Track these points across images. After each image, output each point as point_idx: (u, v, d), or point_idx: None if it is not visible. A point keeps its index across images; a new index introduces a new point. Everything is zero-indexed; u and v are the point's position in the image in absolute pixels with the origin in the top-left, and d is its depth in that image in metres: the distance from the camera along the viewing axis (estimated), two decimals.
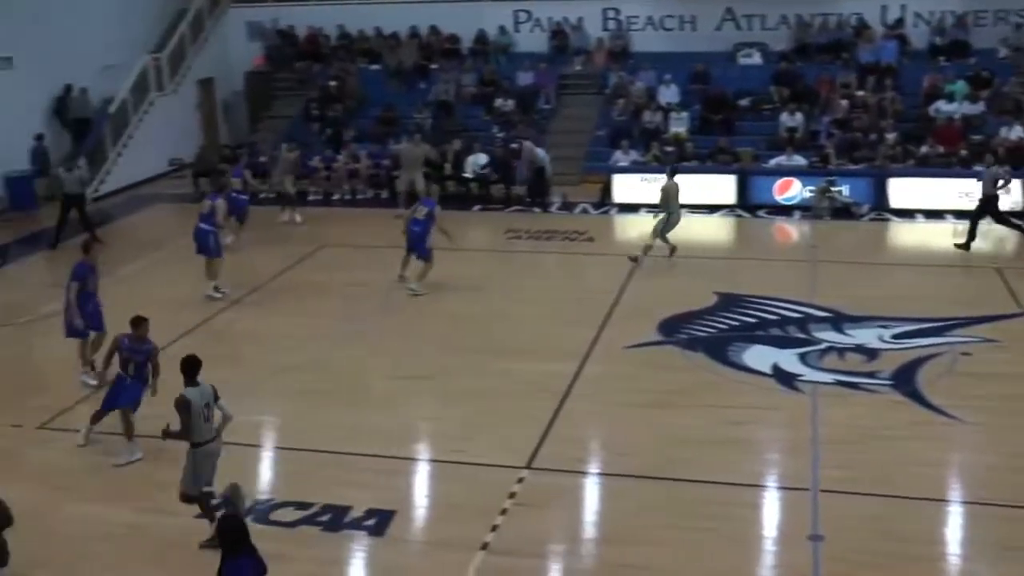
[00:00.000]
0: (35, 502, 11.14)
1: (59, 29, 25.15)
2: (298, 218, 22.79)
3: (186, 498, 10.24)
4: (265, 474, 12.06)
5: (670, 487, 11.15)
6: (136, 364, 12.14)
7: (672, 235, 19.01)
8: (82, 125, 26.21)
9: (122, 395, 12.19)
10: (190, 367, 10.25)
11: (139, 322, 12.14)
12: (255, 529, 10.49)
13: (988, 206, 19.59)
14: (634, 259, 18.63)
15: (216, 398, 10.35)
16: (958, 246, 19.46)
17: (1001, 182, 19.49)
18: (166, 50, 28.20)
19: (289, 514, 10.79)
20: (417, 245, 17.64)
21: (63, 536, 10.59)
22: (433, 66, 29.03)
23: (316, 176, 25.46)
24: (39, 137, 24.99)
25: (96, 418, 12.47)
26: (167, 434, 10.24)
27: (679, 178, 19.44)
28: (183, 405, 9.97)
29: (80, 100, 26.22)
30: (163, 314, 16.57)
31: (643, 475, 11.39)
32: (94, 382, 13.96)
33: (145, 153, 26.64)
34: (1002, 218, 19.83)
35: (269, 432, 12.96)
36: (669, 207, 18.91)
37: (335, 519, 10.66)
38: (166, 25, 29.53)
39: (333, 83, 28.58)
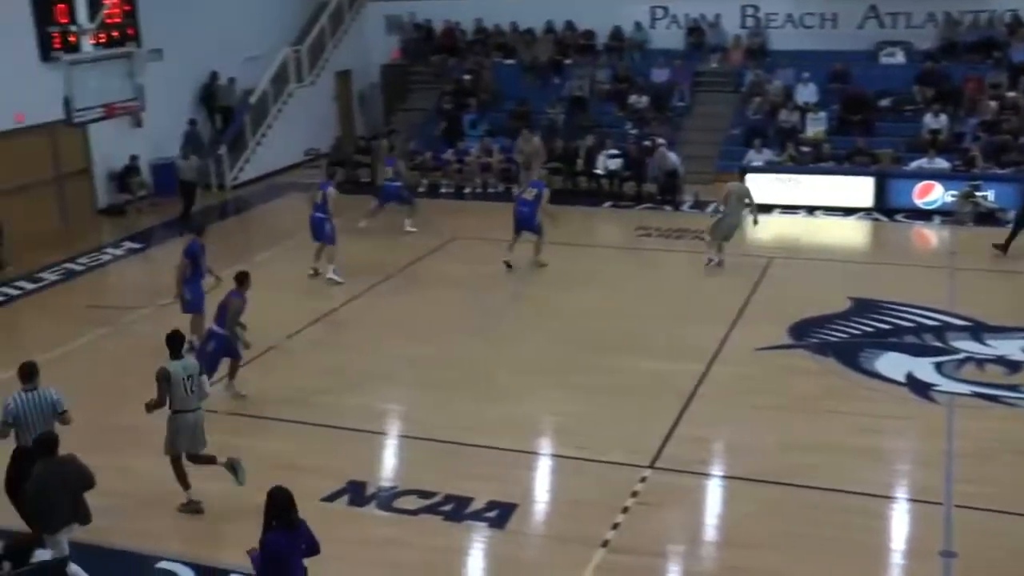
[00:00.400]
0: (165, 478, 11.53)
1: (206, 22, 25.93)
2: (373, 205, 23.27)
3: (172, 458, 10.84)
4: (390, 461, 12.24)
5: (795, 493, 10.93)
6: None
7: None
8: (226, 113, 27.00)
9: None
10: (174, 342, 10.83)
11: (244, 278, 13.40)
12: (378, 515, 10.71)
13: None
14: (711, 262, 18.52)
15: (201, 373, 10.91)
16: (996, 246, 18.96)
17: None
18: (306, 42, 28.78)
19: (412, 502, 10.93)
20: (527, 223, 18.38)
21: (194, 512, 10.90)
22: (567, 62, 28.98)
23: (448, 169, 25.68)
24: (192, 122, 25.88)
25: (233, 372, 13.50)
26: (148, 406, 10.85)
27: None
28: (163, 376, 10.62)
29: (226, 89, 27.02)
30: (294, 301, 17.04)
31: (768, 479, 11.20)
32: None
33: (283, 143, 27.25)
34: None
35: (395, 420, 13.14)
36: (727, 208, 18.52)
37: (457, 509, 10.75)
38: (307, 18, 30.18)
39: (468, 77, 28.80)
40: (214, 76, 26.83)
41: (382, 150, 24.54)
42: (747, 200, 18.80)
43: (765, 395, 13.28)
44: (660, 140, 24.17)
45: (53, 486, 9.10)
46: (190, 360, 10.97)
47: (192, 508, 10.83)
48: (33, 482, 9.14)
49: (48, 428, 9.94)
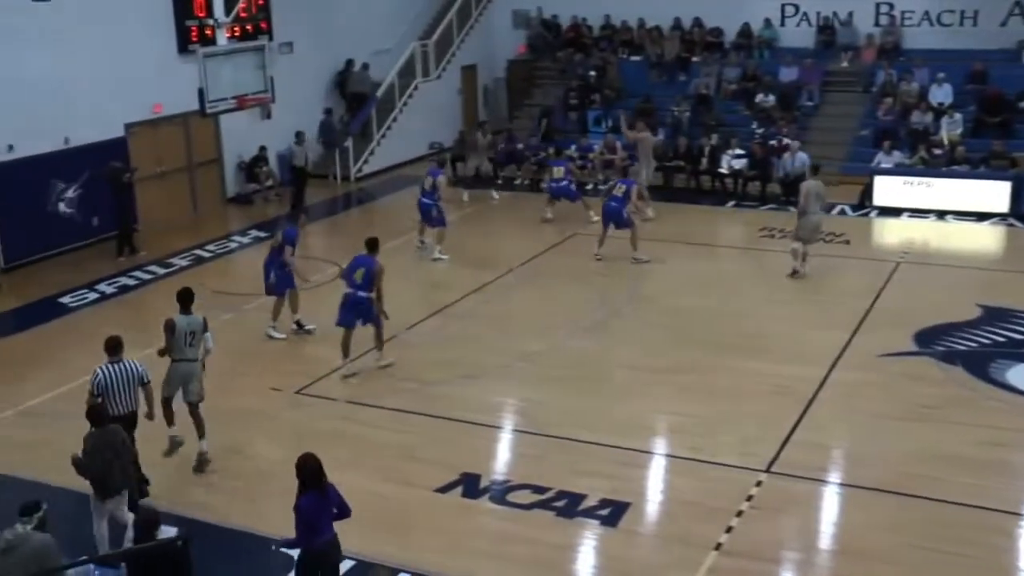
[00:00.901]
0: (285, 462, 11.75)
1: (336, 16, 26.50)
2: (465, 197, 23.87)
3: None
4: (504, 455, 12.28)
5: (915, 505, 10.63)
6: None
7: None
8: (359, 99, 27.49)
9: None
10: (184, 298, 11.83)
11: (375, 243, 14.32)
12: (490, 508, 10.77)
13: None
14: (796, 273, 17.77)
15: (205, 330, 11.80)
16: None
17: None
18: (434, 37, 29.07)
19: (525, 497, 10.96)
20: (615, 218, 18.80)
21: None
22: (694, 59, 28.71)
23: (571, 165, 25.60)
24: (327, 111, 26.53)
25: (379, 341, 14.31)
26: (159, 352, 11.78)
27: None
28: (168, 327, 11.56)
29: (359, 75, 27.57)
30: (415, 293, 17.25)
31: (887, 489, 10.92)
32: (281, 335, 15.58)
33: (407, 136, 27.60)
34: None
35: (509, 414, 13.18)
36: (808, 207, 17.68)
37: (569, 506, 10.74)
38: (435, 13, 30.50)
39: (593, 73, 28.73)
40: (349, 63, 27.38)
41: (478, 142, 25.40)
42: (823, 198, 18.06)
43: (887, 403, 12.94)
44: (790, 141, 23.69)
45: (103, 454, 9.61)
46: (196, 317, 11.79)
47: (174, 444, 11.72)
48: (85, 451, 9.68)
49: (133, 399, 10.66)
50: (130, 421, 10.63)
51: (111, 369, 10.65)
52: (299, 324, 15.81)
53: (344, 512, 8.66)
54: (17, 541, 8.21)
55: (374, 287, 13.89)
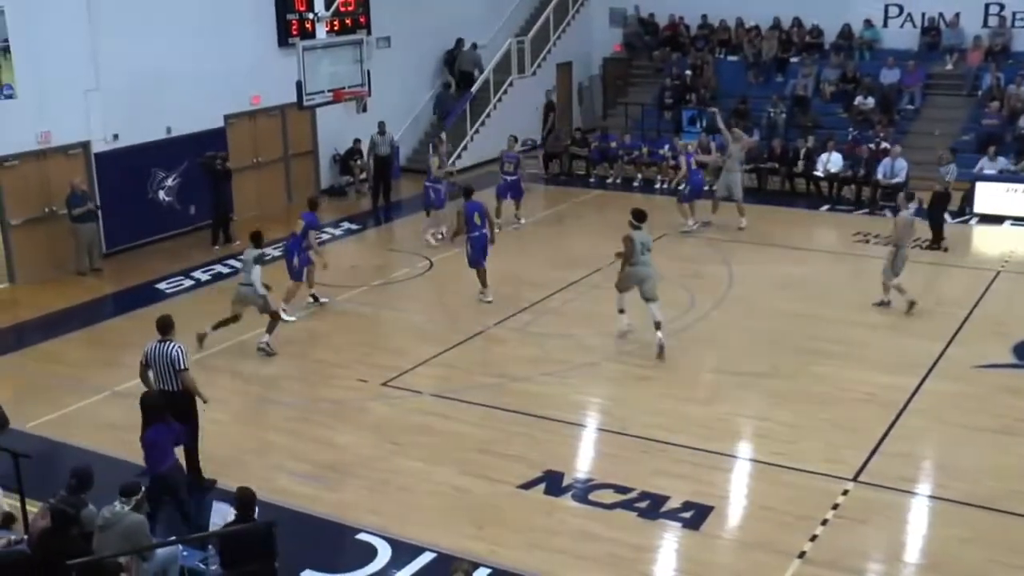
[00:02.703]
0: (370, 453, 11.92)
1: (434, 12, 26.69)
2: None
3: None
4: (587, 454, 12.26)
5: (1006, 521, 10.35)
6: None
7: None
8: (466, 79, 27.84)
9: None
10: (256, 237, 14.95)
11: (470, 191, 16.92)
12: (573, 507, 10.76)
13: None
14: (881, 303, 16.38)
15: (257, 262, 14.65)
16: None
17: None
18: (530, 33, 29.11)
19: (608, 496, 10.93)
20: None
21: (394, 487, 11.23)
22: (793, 59, 28.29)
23: (663, 165, 25.48)
24: (445, 85, 27.72)
25: (482, 278, 16.67)
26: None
27: None
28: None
29: (469, 55, 27.96)
30: (507, 289, 17.27)
31: (977, 504, 10.65)
32: (293, 318, 16.03)
33: (500, 132, 27.50)
34: None
35: (594, 413, 13.15)
36: (903, 241, 16.07)
37: (652, 507, 10.69)
38: (532, 9, 30.54)
39: (689, 72, 28.48)
40: (459, 42, 27.71)
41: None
42: (915, 233, 16.75)
43: (981, 415, 12.62)
44: (888, 145, 23.20)
45: None
46: (251, 252, 14.65)
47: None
48: None
49: (172, 382, 10.96)
50: (172, 402, 10.76)
51: (156, 347, 11.01)
52: (314, 297, 16.73)
53: (180, 440, 10.34)
54: (114, 519, 8.48)
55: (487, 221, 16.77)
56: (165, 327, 11.12)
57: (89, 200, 18.87)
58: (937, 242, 19.61)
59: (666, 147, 25.53)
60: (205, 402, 11.28)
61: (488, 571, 9.43)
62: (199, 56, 20.79)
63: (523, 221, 21.71)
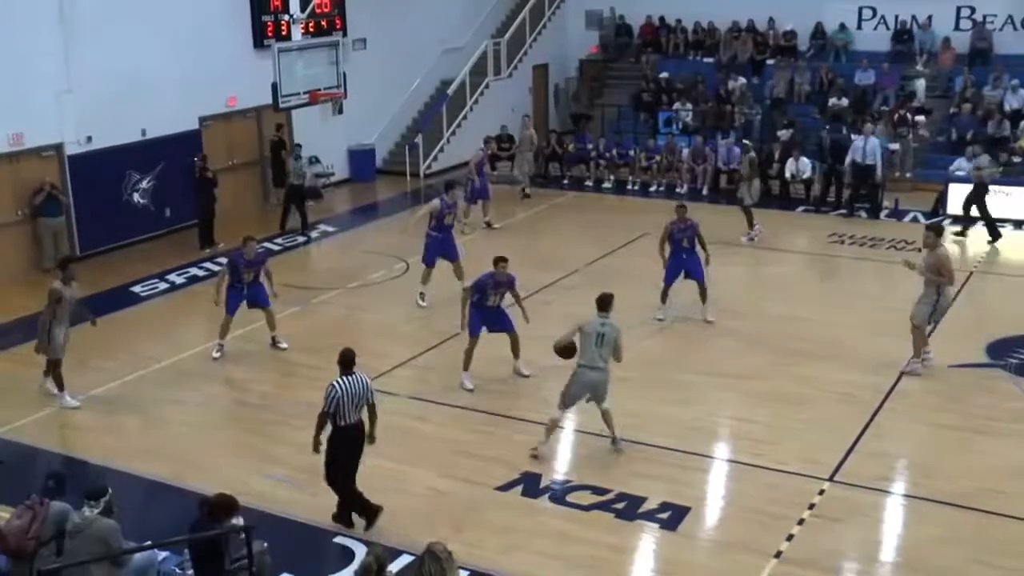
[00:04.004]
0: None
1: (410, 13, 26.63)
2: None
3: None
4: (565, 456, 12.24)
5: (982, 520, 10.41)
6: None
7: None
8: None
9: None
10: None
11: (498, 261, 13.93)
12: (550, 508, 10.73)
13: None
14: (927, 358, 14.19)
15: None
16: None
17: None
18: (507, 35, 29.11)
19: (585, 497, 10.94)
20: None
21: (372, 490, 11.15)
22: (769, 61, 28.40)
23: (633, 164, 25.61)
24: None
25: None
26: None
27: None
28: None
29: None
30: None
31: (953, 503, 10.71)
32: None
33: (476, 134, 27.49)
34: None
35: (573, 415, 13.05)
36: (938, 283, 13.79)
37: (629, 508, 10.70)
38: (508, 11, 30.56)
39: (665, 74, 28.54)
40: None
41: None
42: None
43: (956, 414, 12.71)
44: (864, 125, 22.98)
45: None
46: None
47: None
48: None
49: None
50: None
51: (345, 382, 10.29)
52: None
53: None
54: (84, 524, 8.38)
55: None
56: (350, 361, 10.53)
57: (52, 191, 18.78)
58: (994, 235, 20.00)
59: (685, 152, 25.43)
60: (371, 441, 10.59)
61: (467, 573, 9.41)
62: (174, 58, 20.69)
63: (497, 225, 21.67)
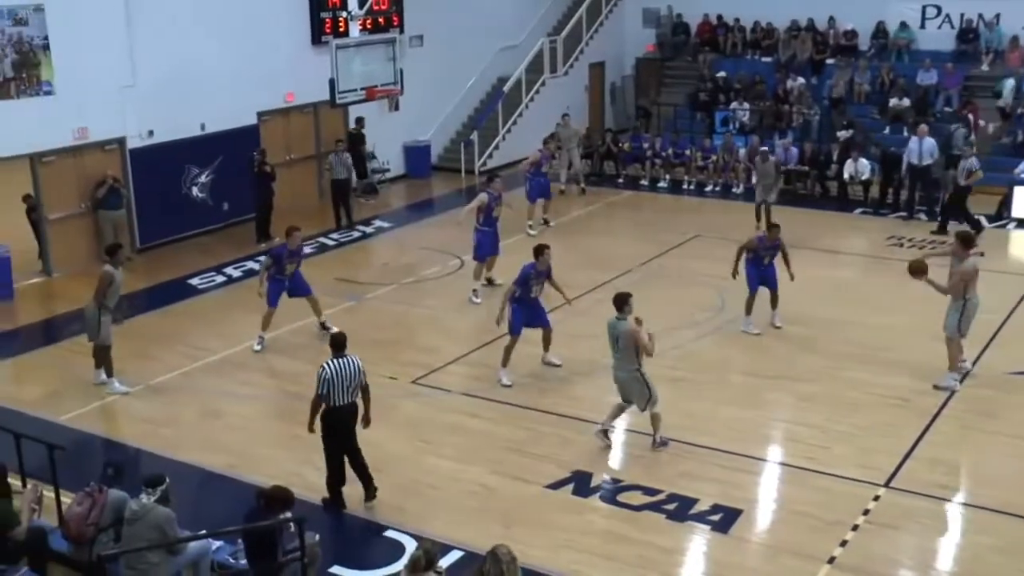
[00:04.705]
0: (400, 450, 11.94)
1: (467, 11, 26.67)
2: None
3: None
4: (616, 455, 12.19)
5: None
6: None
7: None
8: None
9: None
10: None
11: (541, 250, 14.12)
12: (601, 507, 10.71)
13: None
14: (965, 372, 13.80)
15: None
16: None
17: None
18: (563, 33, 29.07)
19: (636, 498, 10.90)
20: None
21: (423, 485, 11.25)
22: (829, 60, 28.10)
23: (689, 164, 25.47)
24: None
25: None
26: None
27: None
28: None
29: None
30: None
31: (1011, 512, 10.53)
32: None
33: (532, 131, 27.47)
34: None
35: (625, 415, 13.03)
36: (966, 291, 13.46)
37: (680, 509, 10.65)
38: (564, 9, 30.51)
39: (723, 73, 28.36)
40: None
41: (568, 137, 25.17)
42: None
43: (1017, 423, 12.49)
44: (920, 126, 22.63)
45: None
46: None
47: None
48: None
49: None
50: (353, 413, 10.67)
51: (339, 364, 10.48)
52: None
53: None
54: (141, 512, 8.51)
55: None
56: (341, 344, 10.69)
57: (114, 184, 19.05)
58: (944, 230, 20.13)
59: (742, 151, 25.20)
60: (367, 424, 10.88)
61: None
62: (233, 54, 20.92)
63: (552, 223, 21.65)
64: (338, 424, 10.51)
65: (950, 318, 13.52)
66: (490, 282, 17.41)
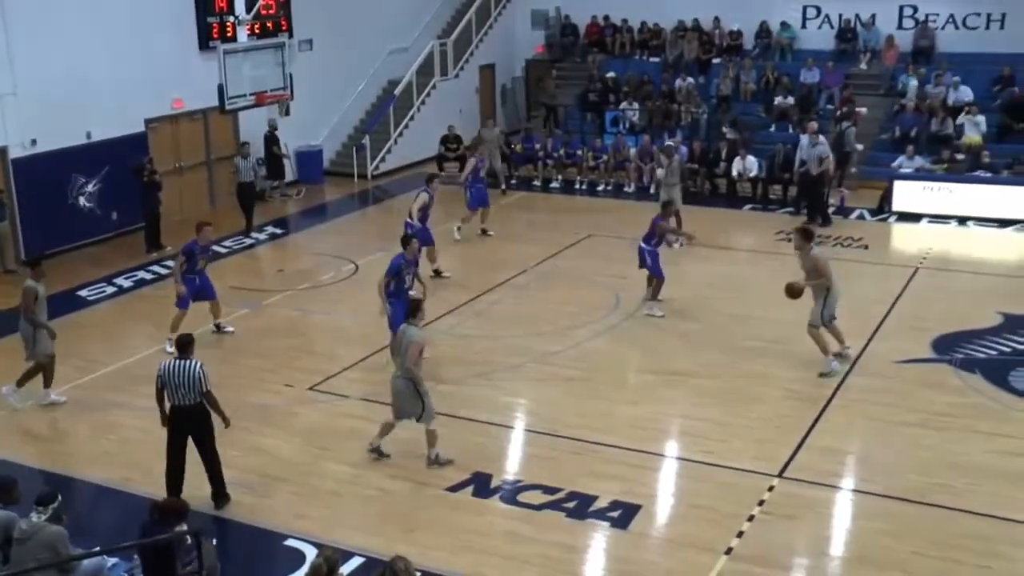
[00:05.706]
0: (298, 458, 11.82)
1: (356, 14, 26.52)
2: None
3: None
4: (516, 456, 12.25)
5: (931, 514, 10.56)
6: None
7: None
8: None
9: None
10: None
11: (409, 240, 14.52)
12: (501, 508, 10.74)
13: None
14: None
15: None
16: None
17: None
18: (453, 35, 29.09)
19: (536, 497, 10.95)
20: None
21: (322, 492, 11.16)
22: (715, 60, 28.61)
23: (581, 164, 25.72)
24: None
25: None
26: None
27: None
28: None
29: None
30: (430, 290, 17.19)
31: (902, 497, 10.84)
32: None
33: (423, 135, 27.56)
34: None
35: (521, 414, 13.17)
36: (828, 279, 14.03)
37: (580, 507, 10.73)
38: (454, 12, 30.54)
39: (611, 74, 28.67)
40: None
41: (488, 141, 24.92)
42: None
43: (904, 410, 12.87)
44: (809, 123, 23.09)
45: None
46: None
47: None
48: None
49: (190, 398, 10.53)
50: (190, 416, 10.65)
51: (175, 366, 10.48)
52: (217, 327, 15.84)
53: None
54: (31, 531, 8.29)
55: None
56: (186, 345, 10.65)
57: None
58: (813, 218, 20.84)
59: (584, 148, 25.59)
60: (226, 425, 10.92)
61: (419, 574, 9.39)
62: (119, 60, 20.48)
63: (491, 233, 21.23)
64: (178, 423, 10.60)
65: (813, 309, 14.09)
66: (437, 274, 17.78)
